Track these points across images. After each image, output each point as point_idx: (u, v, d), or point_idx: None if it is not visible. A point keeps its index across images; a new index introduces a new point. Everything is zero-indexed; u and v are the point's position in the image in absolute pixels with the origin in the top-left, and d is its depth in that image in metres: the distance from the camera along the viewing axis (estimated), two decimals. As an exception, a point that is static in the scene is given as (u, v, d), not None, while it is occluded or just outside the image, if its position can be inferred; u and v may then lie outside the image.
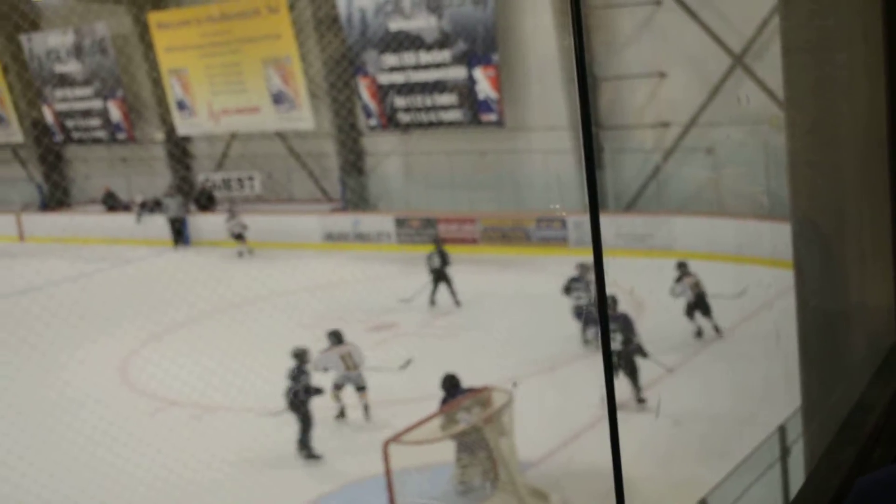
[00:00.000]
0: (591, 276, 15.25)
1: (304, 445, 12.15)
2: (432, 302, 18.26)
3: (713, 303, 14.92)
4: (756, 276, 17.14)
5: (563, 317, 15.16)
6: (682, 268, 15.23)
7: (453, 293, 18.14)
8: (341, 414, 13.30)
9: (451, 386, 10.70)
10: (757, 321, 14.85)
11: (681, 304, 15.22)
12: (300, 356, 12.71)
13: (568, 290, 15.23)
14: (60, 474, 12.13)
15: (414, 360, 13.86)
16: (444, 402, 10.58)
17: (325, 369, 13.24)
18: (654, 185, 21.65)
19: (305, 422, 12.23)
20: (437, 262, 18.36)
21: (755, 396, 11.54)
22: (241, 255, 24.90)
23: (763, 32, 19.35)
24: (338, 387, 13.18)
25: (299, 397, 12.28)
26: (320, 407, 12.66)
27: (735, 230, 19.00)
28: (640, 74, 21.03)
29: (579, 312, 14.79)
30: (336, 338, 13.63)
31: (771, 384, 10.17)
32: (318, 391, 12.47)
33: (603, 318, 2.27)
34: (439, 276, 18.26)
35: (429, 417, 10.09)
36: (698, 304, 14.88)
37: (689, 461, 10.60)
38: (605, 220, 20.18)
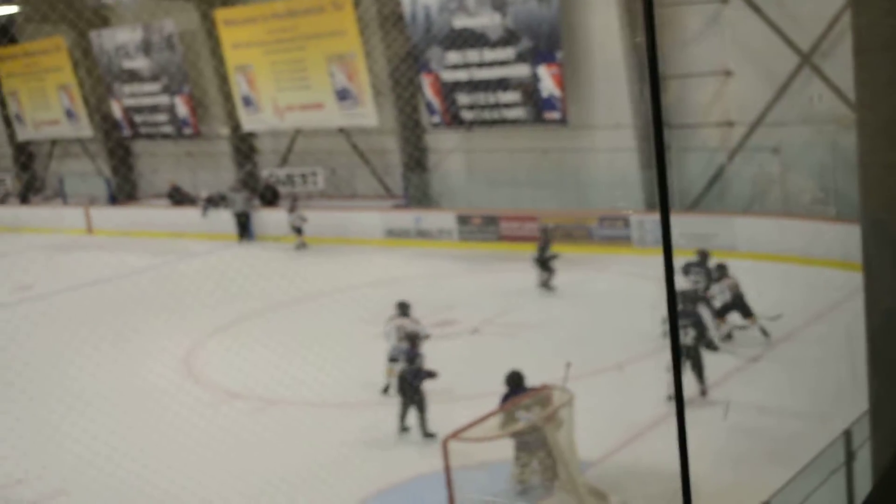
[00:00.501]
0: (712, 263, 15.36)
1: (421, 425, 12.39)
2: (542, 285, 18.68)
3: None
4: (822, 278, 16.93)
5: (626, 315, 15.05)
6: (721, 269, 15.24)
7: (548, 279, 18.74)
8: (385, 390, 13.59)
9: (515, 384, 10.70)
10: (824, 323, 14.67)
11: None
12: (413, 338, 12.89)
13: (686, 271, 15.38)
14: (125, 463, 12.33)
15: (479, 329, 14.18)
16: (507, 398, 10.59)
17: (387, 337, 13.80)
18: (718, 185, 21.44)
19: (419, 403, 12.42)
20: (538, 252, 18.89)
21: (821, 399, 11.41)
22: (298, 248, 25.14)
23: (832, 31, 19.07)
24: (392, 359, 13.23)
25: (413, 379, 12.42)
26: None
27: (801, 231, 18.77)
28: (705, 73, 20.84)
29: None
30: (401, 309, 14.17)
31: (837, 387, 10.04)
32: (431, 374, 12.59)
33: (672, 316, 2.26)
34: (541, 265, 18.76)
35: (489, 415, 10.10)
36: (735, 305, 14.84)
37: (752, 462, 10.50)
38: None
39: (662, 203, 2.19)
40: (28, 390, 13.85)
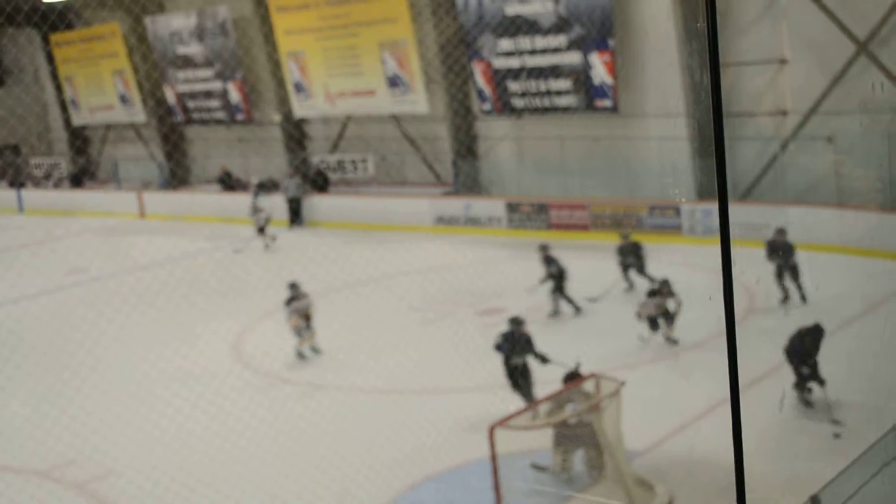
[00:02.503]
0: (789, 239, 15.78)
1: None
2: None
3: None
4: (877, 269, 16.72)
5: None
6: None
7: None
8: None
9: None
10: (879, 314, 14.47)
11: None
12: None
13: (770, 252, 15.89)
14: (175, 446, 12.48)
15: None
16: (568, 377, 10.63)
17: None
18: (771, 174, 21.20)
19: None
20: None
21: (875, 390, 11.26)
22: (267, 247, 24.67)
23: (891, 18, 18.76)
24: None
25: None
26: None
27: (855, 221, 18.52)
28: (759, 61, 20.58)
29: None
30: (291, 290, 15.30)
31: (891, 378, 9.91)
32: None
33: (729, 307, 2.24)
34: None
35: (536, 403, 10.11)
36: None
37: (805, 453, 10.39)
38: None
39: (721, 192, 2.16)
40: (80, 372, 14.06)
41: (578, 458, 10.21)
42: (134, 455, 12.28)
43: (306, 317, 15.20)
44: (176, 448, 12.40)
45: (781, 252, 15.71)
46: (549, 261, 16.47)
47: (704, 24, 2.25)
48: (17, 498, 11.47)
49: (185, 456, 12.12)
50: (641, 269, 17.11)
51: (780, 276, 15.69)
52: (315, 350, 15.41)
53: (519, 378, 12.31)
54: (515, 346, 12.22)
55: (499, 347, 12.37)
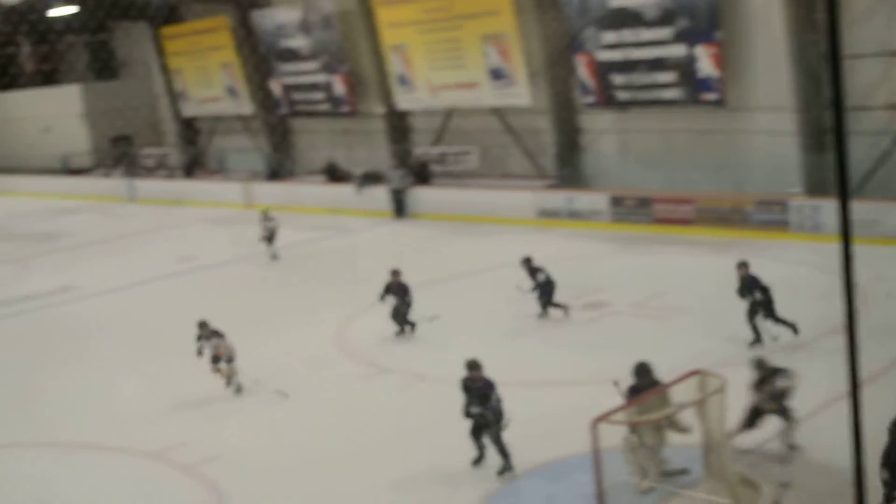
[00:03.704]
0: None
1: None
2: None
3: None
4: None
5: (782, 301, 14.61)
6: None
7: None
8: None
9: (642, 376, 10.48)
10: None
11: None
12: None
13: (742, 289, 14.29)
14: (280, 430, 12.74)
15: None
16: (634, 390, 10.36)
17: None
18: (883, 170, 20.67)
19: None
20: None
21: None
22: (272, 258, 23.35)
23: None
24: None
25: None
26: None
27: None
28: (871, 53, 20.08)
29: None
30: (201, 328, 14.46)
31: None
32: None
33: (850, 304, 2.25)
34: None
35: (639, 399, 10.04)
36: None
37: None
38: (829, 204, 19.42)
39: (842, 189, 2.18)
40: (189, 357, 14.40)
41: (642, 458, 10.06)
42: (242, 439, 12.57)
43: (217, 357, 14.17)
44: (280, 432, 12.67)
45: (752, 287, 14.03)
46: (535, 271, 16.36)
47: (825, 15, 2.27)
48: (131, 478, 11.85)
49: (290, 440, 12.37)
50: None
51: (753, 314, 14.03)
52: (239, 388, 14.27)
53: (478, 429, 11.02)
54: (471, 395, 10.99)
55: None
